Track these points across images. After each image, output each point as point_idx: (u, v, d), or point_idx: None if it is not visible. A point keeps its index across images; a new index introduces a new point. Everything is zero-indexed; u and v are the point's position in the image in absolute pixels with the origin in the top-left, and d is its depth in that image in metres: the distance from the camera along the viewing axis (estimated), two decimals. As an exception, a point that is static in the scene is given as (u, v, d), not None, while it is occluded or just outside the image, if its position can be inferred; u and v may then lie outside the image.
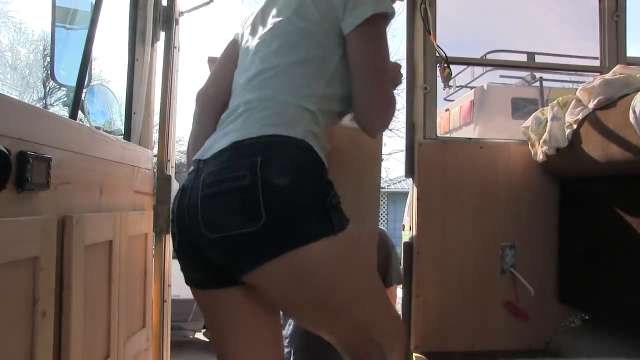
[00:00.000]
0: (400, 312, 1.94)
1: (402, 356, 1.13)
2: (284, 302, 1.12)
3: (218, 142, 1.09)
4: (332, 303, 1.06)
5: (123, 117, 1.93)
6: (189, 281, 1.18)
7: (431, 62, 2.01)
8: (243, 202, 0.99)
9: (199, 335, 6.00)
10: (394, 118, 1.35)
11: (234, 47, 1.34)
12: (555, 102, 1.86)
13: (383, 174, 12.72)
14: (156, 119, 2.08)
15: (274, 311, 1.20)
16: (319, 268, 1.01)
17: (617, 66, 1.70)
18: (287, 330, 2.06)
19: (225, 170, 1.02)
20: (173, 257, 2.34)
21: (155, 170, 1.99)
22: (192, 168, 1.13)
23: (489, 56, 4.02)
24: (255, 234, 0.97)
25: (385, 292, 1.21)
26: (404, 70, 1.72)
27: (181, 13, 2.10)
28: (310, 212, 1.00)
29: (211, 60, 1.55)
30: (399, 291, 2.23)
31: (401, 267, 2.13)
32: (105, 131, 1.71)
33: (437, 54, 1.95)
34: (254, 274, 1.02)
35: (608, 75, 1.64)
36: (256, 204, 0.97)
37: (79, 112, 1.57)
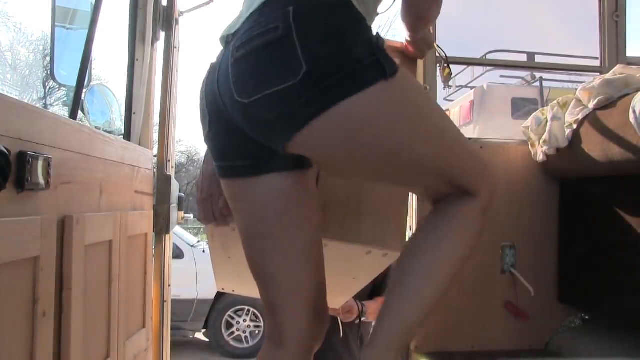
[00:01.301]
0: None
1: (491, 199, 1.05)
2: (343, 164, 0.97)
3: (245, 12, 0.98)
4: (402, 153, 0.94)
5: (123, 117, 1.93)
6: (220, 170, 1.08)
7: (431, 62, 2.01)
8: (278, 55, 0.88)
9: (199, 335, 6.00)
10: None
11: None
12: (555, 102, 1.85)
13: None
14: (156, 119, 2.09)
15: (314, 209, 1.09)
16: (376, 117, 0.90)
17: (617, 66, 1.69)
18: None
19: (254, 28, 0.91)
20: (173, 257, 2.34)
21: (155, 170, 2.00)
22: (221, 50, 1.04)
23: (489, 56, 4.02)
24: (297, 86, 0.86)
25: (460, 131, 1.07)
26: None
27: (181, 13, 2.10)
28: (356, 55, 0.88)
29: None
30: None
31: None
32: (105, 131, 1.71)
33: (437, 54, 1.94)
34: (301, 137, 0.90)
35: (608, 75, 1.64)
36: (293, 53, 0.86)
37: (79, 112, 1.57)
